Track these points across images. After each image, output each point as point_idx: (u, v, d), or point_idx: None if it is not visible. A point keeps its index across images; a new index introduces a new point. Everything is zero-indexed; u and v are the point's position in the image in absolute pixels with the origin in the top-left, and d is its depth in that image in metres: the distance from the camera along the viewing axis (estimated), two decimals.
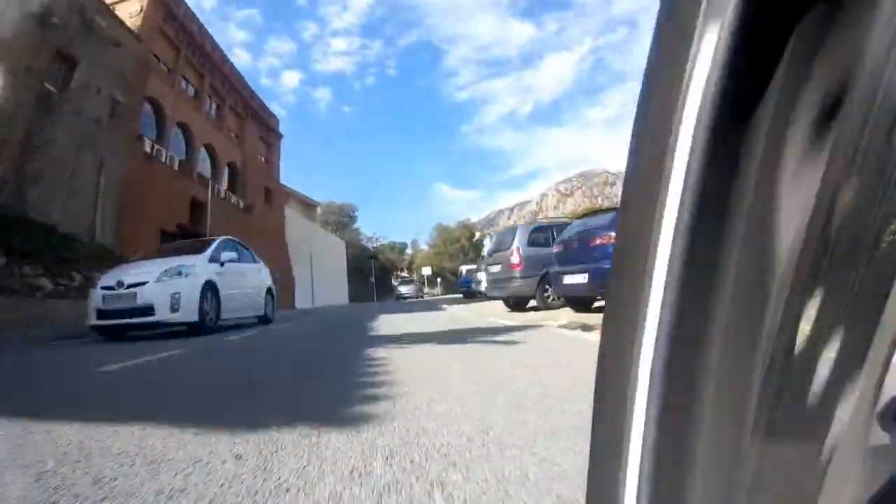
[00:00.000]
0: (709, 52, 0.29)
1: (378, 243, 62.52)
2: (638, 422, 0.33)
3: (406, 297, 38.57)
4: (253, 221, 24.59)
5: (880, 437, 0.32)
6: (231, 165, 24.74)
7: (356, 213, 60.40)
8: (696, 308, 0.32)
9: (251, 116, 27.61)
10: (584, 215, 9.73)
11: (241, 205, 24.13)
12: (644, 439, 0.33)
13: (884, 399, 0.30)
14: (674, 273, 0.32)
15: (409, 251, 79.87)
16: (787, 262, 0.30)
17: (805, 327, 0.30)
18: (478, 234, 77.13)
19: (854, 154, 0.28)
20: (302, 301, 28.25)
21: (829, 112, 0.28)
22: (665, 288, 0.32)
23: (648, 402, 0.33)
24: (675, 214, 0.31)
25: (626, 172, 0.36)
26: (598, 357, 0.37)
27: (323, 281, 34.51)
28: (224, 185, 23.45)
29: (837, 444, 0.30)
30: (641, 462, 0.33)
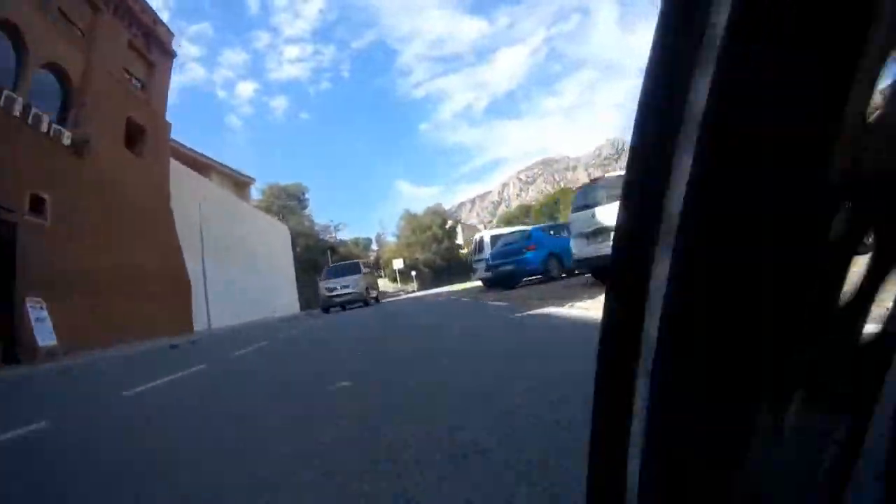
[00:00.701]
0: (710, 50, 0.29)
1: (337, 232, 49.82)
2: (639, 421, 0.33)
3: (343, 301, 18.66)
4: (93, 172, 13.19)
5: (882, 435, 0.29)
6: (57, 71, 13.10)
7: (306, 196, 47.18)
8: (697, 307, 0.31)
9: (117, 12, 15.97)
10: None
11: (68, 138, 12.50)
12: (645, 438, 0.33)
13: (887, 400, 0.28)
14: (675, 270, 0.31)
15: (374, 247, 68.94)
16: (789, 260, 0.29)
17: (807, 325, 0.29)
18: (450, 222, 66.78)
19: (857, 152, 0.27)
20: (219, 315, 16.88)
21: (832, 109, 0.27)
22: (666, 286, 0.31)
23: (649, 401, 0.32)
24: (676, 212, 0.31)
25: (627, 170, 0.36)
26: (598, 355, 0.36)
27: (256, 283, 23.16)
28: (35, 99, 11.82)
29: (839, 444, 0.29)
30: (641, 460, 0.33)
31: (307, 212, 46.19)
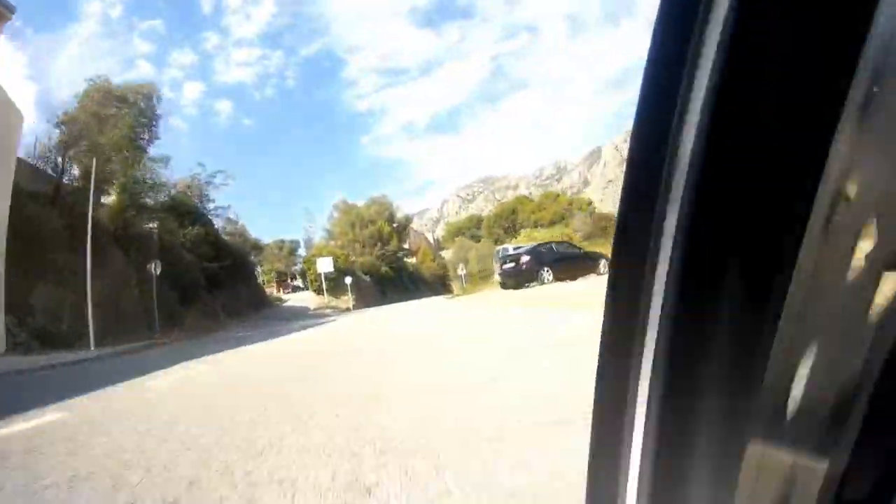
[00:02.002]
0: (709, 51, 0.28)
1: (211, 187, 24.90)
2: (638, 421, 0.33)
3: None
4: None
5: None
6: None
7: (158, 112, 19.64)
8: (696, 308, 0.31)
9: None
10: None
11: None
12: (644, 439, 0.32)
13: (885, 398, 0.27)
14: (673, 273, 0.31)
15: (302, 251, 50.66)
16: (788, 260, 0.28)
17: (806, 326, 0.28)
18: (398, 220, 49.63)
19: (856, 152, 0.27)
20: None
21: (830, 110, 0.27)
22: (665, 288, 0.31)
23: (648, 403, 0.32)
24: (676, 213, 0.30)
25: (626, 172, 0.35)
26: (599, 357, 0.36)
27: None
28: None
29: (836, 443, 0.28)
30: (641, 461, 0.32)
31: (154, 148, 19.83)
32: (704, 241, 0.30)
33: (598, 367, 0.35)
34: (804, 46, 0.27)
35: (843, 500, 0.27)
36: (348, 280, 29.94)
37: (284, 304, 35.93)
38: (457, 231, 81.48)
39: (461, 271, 31.13)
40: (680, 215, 0.30)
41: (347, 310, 25.91)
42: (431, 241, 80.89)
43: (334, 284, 31.12)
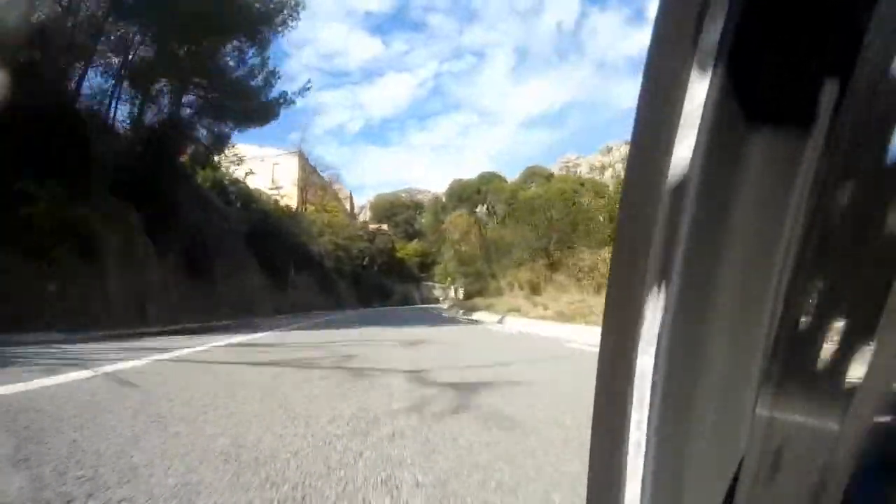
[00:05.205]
0: (709, 51, 0.27)
1: None
2: (638, 422, 0.32)
3: None
4: None
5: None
6: None
7: None
8: (695, 309, 0.30)
9: None
10: None
11: None
12: (644, 439, 0.32)
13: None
14: (673, 273, 0.30)
15: None
16: (786, 263, 0.28)
17: (804, 328, 0.28)
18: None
19: (853, 149, 0.26)
20: None
21: (829, 108, 0.26)
22: (664, 289, 0.30)
23: (649, 403, 0.31)
24: (675, 213, 0.30)
25: (626, 173, 0.33)
26: (599, 358, 0.35)
27: None
28: None
29: (835, 446, 0.27)
30: (643, 461, 0.32)
31: None
32: (704, 239, 0.29)
33: (599, 365, 0.34)
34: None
35: (846, 498, 0.26)
36: None
37: None
38: (389, 208, 58.29)
39: None
40: (680, 213, 0.29)
41: None
42: (349, 206, 54.60)
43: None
